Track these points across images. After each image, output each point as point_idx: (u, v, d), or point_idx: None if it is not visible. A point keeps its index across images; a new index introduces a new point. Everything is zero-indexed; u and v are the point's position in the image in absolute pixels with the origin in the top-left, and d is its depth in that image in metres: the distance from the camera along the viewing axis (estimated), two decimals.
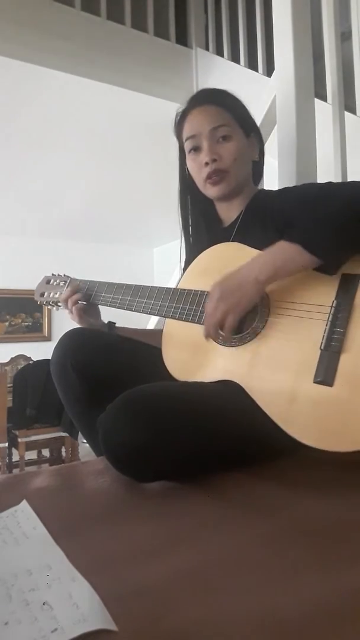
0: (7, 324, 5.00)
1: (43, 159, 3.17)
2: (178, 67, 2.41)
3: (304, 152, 1.38)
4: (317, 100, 1.49)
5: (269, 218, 0.99)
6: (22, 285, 4.87)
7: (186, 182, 1.13)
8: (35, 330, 5.15)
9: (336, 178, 1.49)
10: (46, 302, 1.26)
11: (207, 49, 2.50)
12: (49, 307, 1.26)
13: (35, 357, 3.87)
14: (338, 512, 0.64)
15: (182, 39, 2.51)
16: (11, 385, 3.15)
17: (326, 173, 1.45)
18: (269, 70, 2.11)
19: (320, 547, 0.55)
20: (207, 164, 1.02)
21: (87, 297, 1.14)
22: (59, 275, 1.27)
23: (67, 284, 1.21)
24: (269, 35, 1.82)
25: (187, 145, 1.06)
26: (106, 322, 1.17)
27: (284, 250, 0.83)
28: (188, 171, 1.09)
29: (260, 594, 0.45)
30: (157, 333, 1.06)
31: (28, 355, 4.29)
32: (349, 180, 1.50)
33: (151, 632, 0.40)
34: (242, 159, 1.04)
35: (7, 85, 2.26)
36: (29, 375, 3.15)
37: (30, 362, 3.98)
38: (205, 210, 1.14)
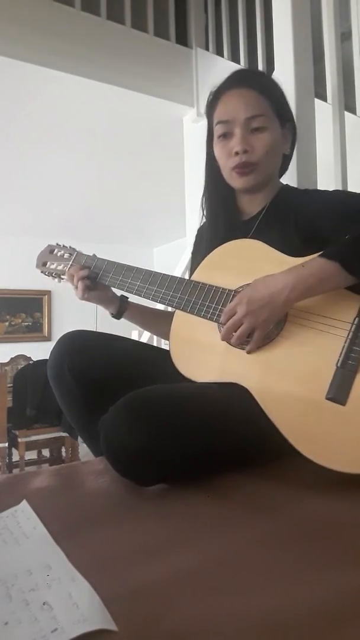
0: (7, 324, 5.00)
1: (43, 159, 3.17)
2: (178, 67, 2.41)
3: (304, 152, 1.37)
4: (317, 100, 1.49)
5: (292, 218, 0.96)
6: (22, 285, 4.87)
7: (212, 166, 1.06)
8: (35, 330, 5.15)
9: (336, 178, 1.49)
10: (48, 272, 1.19)
11: (207, 49, 2.50)
12: (50, 277, 1.20)
13: (35, 357, 3.88)
14: (338, 512, 0.64)
15: (182, 39, 2.51)
16: (11, 385, 3.15)
17: (326, 173, 1.45)
18: (269, 70, 2.11)
19: (320, 547, 0.55)
20: (237, 153, 0.97)
21: (94, 275, 1.09)
22: (64, 246, 1.20)
23: (72, 257, 1.15)
24: (269, 35, 1.82)
25: (217, 130, 0.99)
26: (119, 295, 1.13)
27: (321, 268, 0.79)
28: (214, 155, 1.04)
29: (260, 594, 0.45)
30: (168, 314, 1.03)
31: (28, 355, 4.29)
32: (348, 180, 1.51)
33: (151, 632, 0.40)
34: (274, 152, 0.99)
35: (7, 85, 2.26)
36: (29, 375, 3.15)
37: (30, 362, 3.98)
38: (226, 199, 1.08)
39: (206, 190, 1.10)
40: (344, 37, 1.80)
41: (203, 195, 1.11)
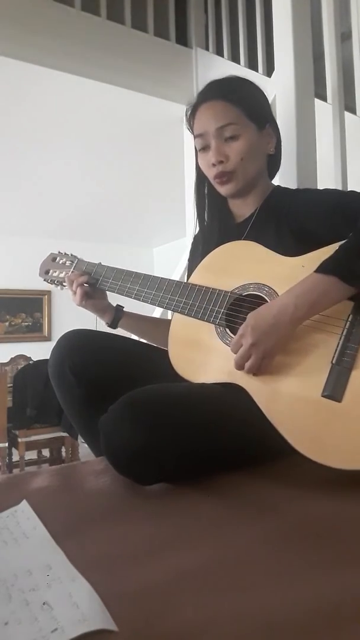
0: (7, 324, 5.00)
1: (43, 159, 3.17)
2: (178, 67, 2.41)
3: (304, 152, 1.37)
4: (317, 100, 1.49)
5: (284, 218, 0.97)
6: (22, 285, 4.87)
7: (201, 175, 1.10)
8: (35, 330, 5.14)
9: (336, 178, 1.49)
10: (50, 280, 1.22)
11: (207, 49, 2.49)
12: (53, 285, 1.23)
13: (35, 357, 3.87)
14: (338, 512, 0.64)
15: (182, 39, 2.50)
16: (11, 385, 3.15)
17: (326, 173, 1.45)
18: (269, 70, 2.11)
19: (320, 547, 0.55)
20: (214, 164, 1.00)
21: (94, 281, 1.11)
22: (65, 254, 1.23)
23: (73, 264, 1.18)
24: (269, 35, 1.82)
25: (197, 144, 1.03)
26: (114, 305, 1.15)
27: (319, 284, 0.78)
28: None
29: (261, 594, 0.45)
30: (164, 322, 1.05)
31: (28, 355, 4.29)
32: (348, 180, 1.50)
33: (151, 632, 0.40)
34: (252, 156, 1.00)
35: (6, 85, 2.26)
36: (29, 375, 3.15)
37: (30, 362, 3.98)
38: (219, 205, 1.12)
39: (197, 198, 1.14)
40: (344, 37, 1.80)
41: (195, 203, 1.14)
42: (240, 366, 0.83)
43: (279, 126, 1.07)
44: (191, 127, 1.06)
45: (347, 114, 1.64)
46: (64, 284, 1.18)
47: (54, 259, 1.23)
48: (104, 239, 5.30)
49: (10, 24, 1.97)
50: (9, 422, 3.04)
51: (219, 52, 2.45)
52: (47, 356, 1.03)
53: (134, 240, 5.46)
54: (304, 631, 0.40)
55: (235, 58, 2.36)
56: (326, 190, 1.02)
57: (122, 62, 2.25)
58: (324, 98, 1.67)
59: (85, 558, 0.51)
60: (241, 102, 1.00)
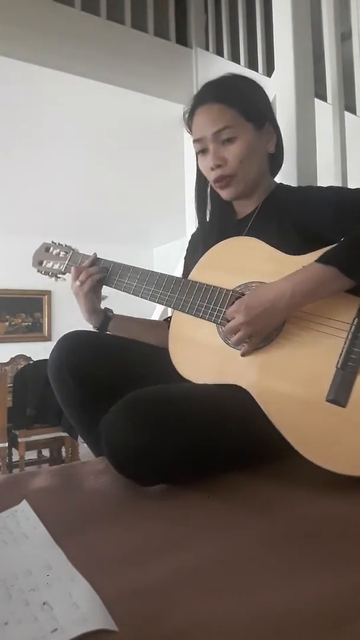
0: (7, 324, 5.00)
1: (43, 158, 3.17)
2: (178, 67, 2.41)
3: (304, 152, 1.37)
4: (317, 100, 1.49)
5: (287, 216, 0.96)
6: (22, 285, 4.87)
7: (201, 175, 1.09)
8: (35, 330, 5.14)
9: (336, 178, 1.49)
10: (44, 271, 1.18)
11: (207, 49, 2.49)
12: (47, 276, 1.18)
13: (35, 357, 3.87)
14: (338, 512, 0.64)
15: (182, 39, 2.50)
16: (11, 385, 3.15)
17: (326, 173, 1.45)
18: (269, 70, 2.11)
19: (320, 547, 0.55)
20: (212, 168, 0.99)
21: (102, 276, 1.06)
22: (59, 244, 1.18)
23: (69, 255, 1.14)
24: (269, 35, 1.82)
25: (195, 147, 1.02)
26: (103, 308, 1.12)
27: (319, 273, 0.79)
28: None
29: (261, 594, 0.45)
30: (155, 324, 1.03)
31: (28, 355, 4.28)
32: (348, 180, 1.51)
33: (151, 632, 0.40)
34: (252, 157, 0.99)
35: (7, 85, 2.26)
36: (29, 375, 3.14)
37: (30, 362, 3.98)
38: (220, 202, 1.09)
39: (198, 199, 1.13)
40: (344, 37, 1.80)
41: (196, 203, 1.13)
42: (229, 336, 0.87)
43: (279, 126, 1.06)
44: (190, 130, 1.05)
45: (347, 114, 1.65)
46: (59, 275, 1.15)
47: (47, 249, 1.18)
48: (103, 239, 5.28)
49: (10, 24, 1.97)
50: (9, 422, 3.04)
51: (219, 52, 2.45)
52: (47, 356, 1.03)
53: (134, 240, 5.45)
54: (305, 631, 0.40)
55: (235, 58, 2.37)
56: (329, 189, 1.00)
57: (122, 62, 2.24)
58: (324, 98, 1.67)
59: (85, 558, 0.51)
60: (237, 103, 0.98)
